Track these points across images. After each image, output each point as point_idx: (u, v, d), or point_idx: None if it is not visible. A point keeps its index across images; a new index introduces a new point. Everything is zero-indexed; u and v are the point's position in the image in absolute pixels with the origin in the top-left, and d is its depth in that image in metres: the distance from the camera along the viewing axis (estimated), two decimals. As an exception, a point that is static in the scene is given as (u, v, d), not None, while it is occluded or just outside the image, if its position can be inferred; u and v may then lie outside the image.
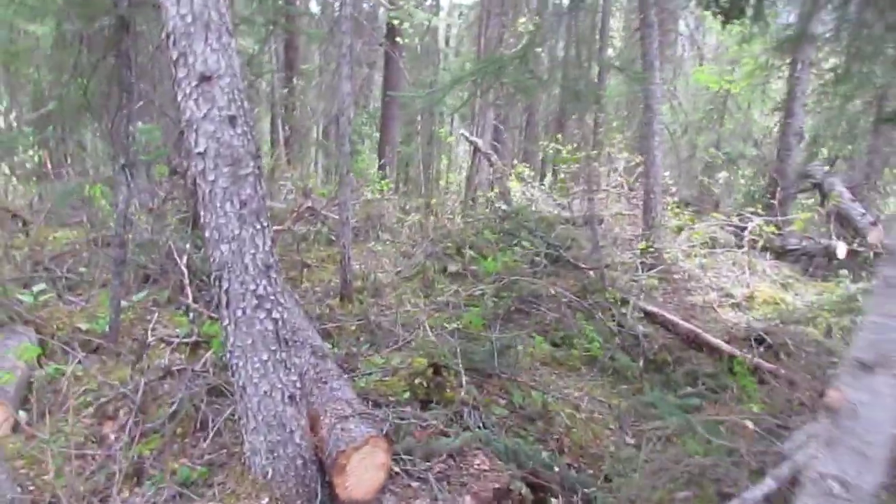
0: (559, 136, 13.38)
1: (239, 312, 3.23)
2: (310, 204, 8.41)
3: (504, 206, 8.89)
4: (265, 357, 3.27)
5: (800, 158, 11.55)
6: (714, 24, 14.26)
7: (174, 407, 3.86)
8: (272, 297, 3.26)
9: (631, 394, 5.76)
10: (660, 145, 8.50)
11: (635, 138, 12.83)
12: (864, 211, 9.85)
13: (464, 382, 4.95)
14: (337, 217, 7.58)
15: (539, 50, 8.14)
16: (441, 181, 13.09)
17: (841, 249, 9.49)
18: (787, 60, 11.51)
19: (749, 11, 6.60)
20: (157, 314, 5.68)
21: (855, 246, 9.49)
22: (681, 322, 6.62)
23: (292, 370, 3.38)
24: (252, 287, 3.21)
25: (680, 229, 8.60)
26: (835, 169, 10.92)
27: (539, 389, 5.24)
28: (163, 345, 5.00)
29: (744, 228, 9.46)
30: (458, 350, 5.28)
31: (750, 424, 3.74)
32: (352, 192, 7.26)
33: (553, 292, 6.80)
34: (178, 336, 5.13)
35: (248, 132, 3.18)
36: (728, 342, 6.40)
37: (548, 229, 8.26)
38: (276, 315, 3.28)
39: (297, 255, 7.96)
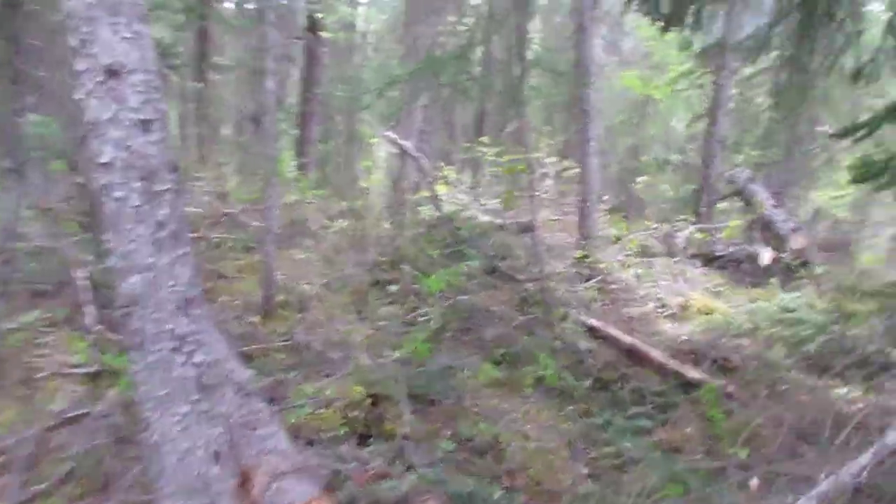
0: (486, 138, 13.09)
1: (152, 357, 2.68)
2: (228, 209, 7.75)
3: (437, 213, 8.47)
4: (185, 409, 2.74)
5: (723, 165, 11.69)
6: (641, 30, 14.36)
7: (71, 463, 3.24)
8: (194, 338, 2.73)
9: (579, 415, 5.47)
10: (595, 151, 8.30)
11: (567, 143, 12.69)
12: (786, 217, 9.99)
13: (406, 413, 4.52)
14: (257, 223, 6.99)
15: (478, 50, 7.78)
16: (365, 183, 12.56)
17: (765, 256, 9.58)
18: (711, 68, 11.62)
19: (689, 20, 6.48)
20: (50, 339, 4.96)
21: (779, 253, 9.62)
22: (624, 337, 6.39)
23: (217, 421, 2.86)
24: (169, 326, 2.68)
25: (618, 238, 8.43)
26: (757, 175, 11.05)
27: (486, 418, 4.87)
28: (58, 378, 4.32)
29: (675, 236, 9.41)
30: (398, 376, 4.84)
31: (754, 483, 3.46)
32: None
33: (494, 308, 6.44)
34: (77, 366, 4.46)
35: (165, 139, 2.63)
36: (673, 357, 6.21)
37: (483, 238, 7.90)
38: (198, 359, 2.75)
39: (213, 265, 7.30)
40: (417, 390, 5.01)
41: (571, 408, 5.54)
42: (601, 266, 8.10)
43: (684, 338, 6.57)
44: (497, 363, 6.14)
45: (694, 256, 9.67)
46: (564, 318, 6.66)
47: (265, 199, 5.96)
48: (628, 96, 16.58)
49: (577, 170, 8.76)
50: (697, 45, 11.08)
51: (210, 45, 13.24)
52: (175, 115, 15.10)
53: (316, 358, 5.50)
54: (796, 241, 9.54)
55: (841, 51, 5.81)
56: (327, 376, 5.20)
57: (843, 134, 4.54)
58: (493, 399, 5.49)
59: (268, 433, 3.42)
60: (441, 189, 10.96)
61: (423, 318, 6.12)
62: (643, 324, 7.11)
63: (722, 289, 8.67)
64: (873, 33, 6.17)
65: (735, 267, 9.77)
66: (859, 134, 4.19)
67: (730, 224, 9.45)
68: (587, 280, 7.69)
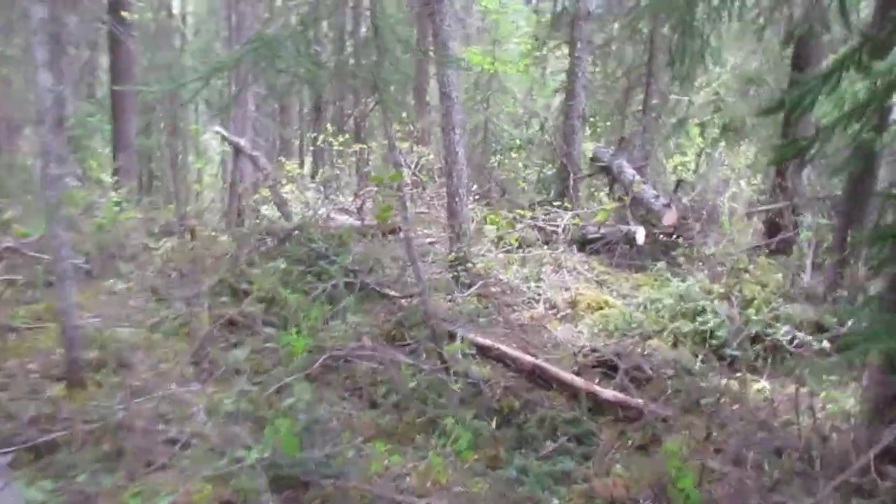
0: (330, 126, 11.87)
1: None
2: (10, 243, 6.05)
3: (284, 223, 7.19)
4: None
5: (584, 141, 11.20)
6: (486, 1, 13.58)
7: None
8: None
9: (486, 465, 4.52)
10: (461, 139, 7.34)
11: (419, 130, 11.68)
12: (657, 193, 9.61)
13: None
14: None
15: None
16: (198, 187, 10.90)
17: (640, 235, 9.14)
18: (566, 40, 11.03)
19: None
20: None
21: (653, 230, 9.23)
22: (523, 356, 5.51)
23: None
24: None
25: (500, 238, 7.51)
26: (619, 150, 10.64)
27: (376, 499, 3.78)
28: None
29: (551, 223, 8.72)
30: (256, 459, 3.63)
31: None
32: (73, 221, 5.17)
33: (366, 335, 5.34)
34: None
35: None
36: (578, 374, 5.42)
37: (342, 248, 6.73)
38: None
39: (-1, 316, 5.63)
40: (284, 472, 3.83)
41: (476, 456, 4.58)
42: (479, 267, 7.20)
43: (586, 346, 5.80)
44: (378, 406, 5.08)
45: (568, 242, 9.06)
46: (451, 338, 5.68)
47: (48, 231, 4.46)
48: (473, 73, 15.85)
49: (438, 161, 7.78)
50: (549, 15, 10.48)
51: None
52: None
53: (142, 441, 4.14)
54: (669, 217, 9.17)
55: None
56: (162, 469, 3.90)
57: (776, 109, 3.85)
58: (381, 459, 4.41)
59: None
60: (285, 187, 9.64)
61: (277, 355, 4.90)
62: (536, 331, 6.29)
63: (606, 277, 8.09)
64: None
65: (610, 249, 9.26)
66: (799, 108, 3.52)
67: (605, 207, 8.89)
68: (468, 286, 6.76)
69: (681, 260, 8.44)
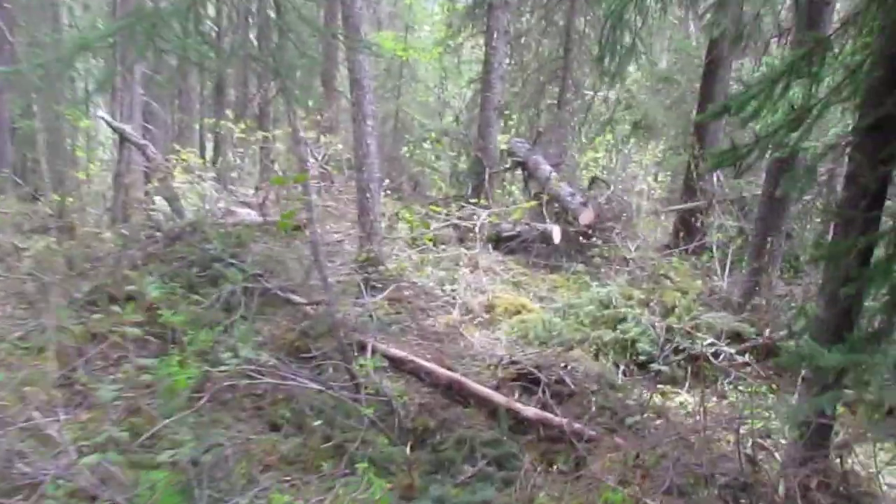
0: (231, 112, 11.11)
1: None
2: None
3: (174, 220, 6.49)
4: None
5: (500, 134, 10.89)
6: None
7: None
8: None
9: (400, 494, 4.09)
10: (373, 130, 6.84)
11: (329, 119, 11.06)
12: (573, 191, 9.41)
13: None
14: None
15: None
16: (80, 175, 9.89)
17: (556, 234, 8.92)
18: (481, 29, 10.67)
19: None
20: None
21: (569, 229, 9.03)
22: (438, 369, 5.11)
23: None
24: None
25: (412, 240, 7.04)
26: (535, 145, 10.38)
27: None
28: None
29: (467, 220, 8.35)
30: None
31: None
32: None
33: (267, 347, 4.80)
34: None
35: None
36: (497, 388, 5.07)
37: (242, 248, 6.12)
38: None
39: None
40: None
41: (389, 486, 4.14)
42: (392, 269, 6.75)
43: (505, 357, 5.44)
44: (280, 429, 4.55)
45: (484, 241, 8.73)
46: (361, 349, 5.22)
47: None
48: (384, 61, 15.30)
49: (348, 153, 7.26)
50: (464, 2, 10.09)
51: None
52: None
53: (-6, 484, 3.49)
54: (586, 216, 8.98)
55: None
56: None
57: (719, 113, 3.58)
58: (282, 493, 3.91)
59: None
60: (178, 177, 8.86)
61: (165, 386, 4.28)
62: (452, 340, 5.90)
63: (522, 278, 7.80)
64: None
65: (526, 248, 8.99)
66: (752, 103, 3.26)
67: (523, 205, 8.60)
68: (380, 290, 6.29)
69: (597, 261, 8.27)
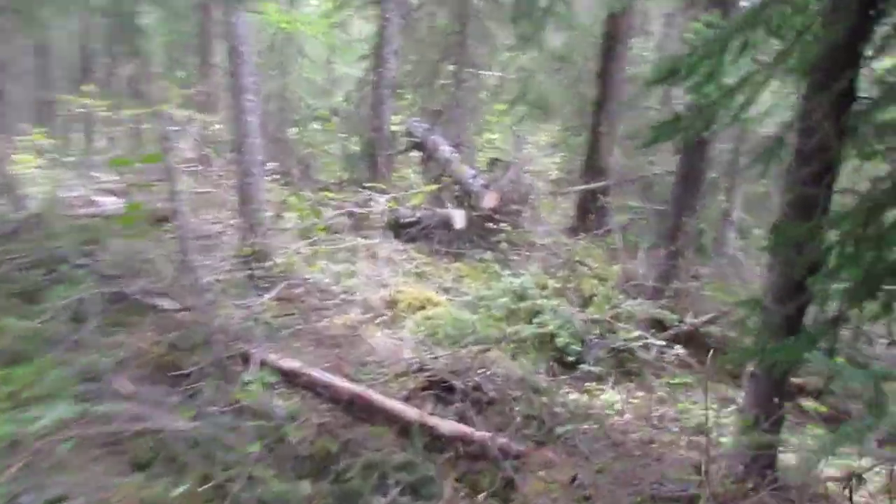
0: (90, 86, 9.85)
1: None
2: None
3: (17, 211, 5.41)
4: None
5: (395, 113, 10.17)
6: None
7: None
8: None
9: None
10: (255, 107, 5.97)
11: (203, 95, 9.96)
12: (475, 173, 8.84)
13: None
14: None
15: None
16: None
17: (459, 218, 8.32)
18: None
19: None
20: None
21: (472, 213, 8.47)
22: (338, 381, 4.40)
23: None
24: None
25: (305, 232, 6.15)
26: (434, 125, 9.74)
27: None
28: None
29: (363, 207, 7.61)
30: None
31: None
32: None
33: (124, 382, 3.92)
34: None
35: None
36: (408, 399, 4.41)
37: (96, 244, 5.14)
38: None
39: None
40: None
41: (284, 534, 3.42)
42: (280, 264, 5.94)
43: (414, 361, 4.78)
44: (145, 468, 3.71)
45: (383, 229, 8.02)
46: (245, 362, 4.42)
47: None
48: (268, 35, 14.18)
49: (227, 133, 6.37)
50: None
51: None
52: None
53: None
54: (489, 200, 8.43)
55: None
56: None
57: (666, 77, 3.05)
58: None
59: None
60: (29, 163, 7.65)
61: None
62: (352, 344, 5.18)
63: (426, 268, 7.16)
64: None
65: (427, 235, 8.35)
66: (705, 64, 2.76)
67: (423, 189, 7.96)
68: (269, 289, 5.48)
69: (503, 247, 7.77)
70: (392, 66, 9.65)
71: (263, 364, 4.42)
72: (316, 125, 10.65)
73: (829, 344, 2.97)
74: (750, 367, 3.35)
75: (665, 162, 10.55)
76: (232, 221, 6.66)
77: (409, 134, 9.74)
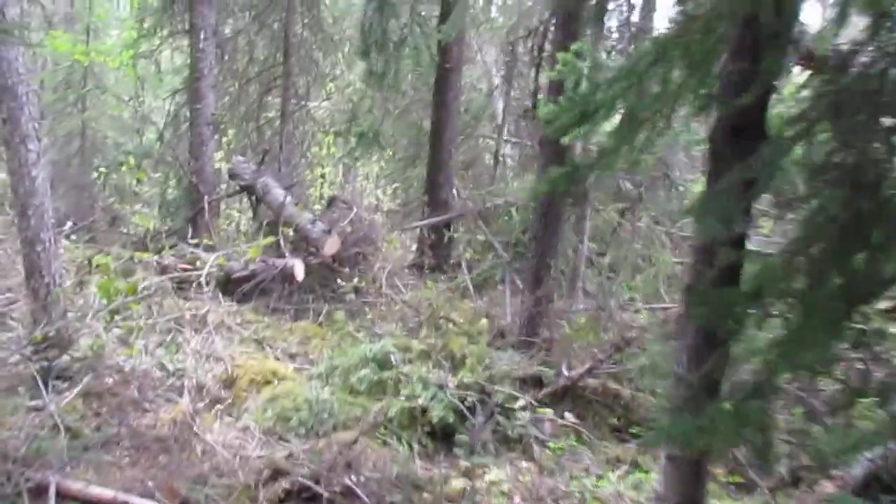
0: None
1: None
2: None
3: None
4: None
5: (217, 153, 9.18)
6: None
7: None
8: None
9: None
10: (40, 159, 4.86)
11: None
12: (313, 217, 8.09)
13: None
14: None
15: None
16: None
17: (299, 270, 7.53)
18: (184, 28, 8.88)
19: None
20: None
21: (312, 261, 7.72)
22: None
23: None
24: None
25: (108, 298, 5.00)
26: (262, 165, 8.85)
27: None
28: None
29: (187, 265, 6.62)
30: None
31: None
32: None
33: None
34: None
35: None
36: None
37: None
38: None
39: None
40: None
41: None
42: (85, 348, 4.87)
43: (263, 463, 3.97)
44: None
45: (207, 285, 7.03)
46: (39, 495, 3.41)
47: None
48: (63, 68, 12.53)
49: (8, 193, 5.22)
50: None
51: None
52: None
53: None
54: (331, 246, 7.72)
55: None
56: None
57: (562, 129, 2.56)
58: None
59: None
60: None
61: None
62: (183, 445, 4.24)
63: (265, 332, 6.31)
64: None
65: (264, 291, 7.48)
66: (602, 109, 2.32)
67: (261, 241, 7.09)
68: (72, 384, 4.42)
69: (351, 298, 7.11)
70: (210, 102, 8.67)
71: (63, 496, 3.43)
72: (125, 168, 9.36)
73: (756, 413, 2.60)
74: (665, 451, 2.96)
75: (503, 192, 10.41)
76: (19, 299, 5.45)
77: (235, 175, 8.79)
